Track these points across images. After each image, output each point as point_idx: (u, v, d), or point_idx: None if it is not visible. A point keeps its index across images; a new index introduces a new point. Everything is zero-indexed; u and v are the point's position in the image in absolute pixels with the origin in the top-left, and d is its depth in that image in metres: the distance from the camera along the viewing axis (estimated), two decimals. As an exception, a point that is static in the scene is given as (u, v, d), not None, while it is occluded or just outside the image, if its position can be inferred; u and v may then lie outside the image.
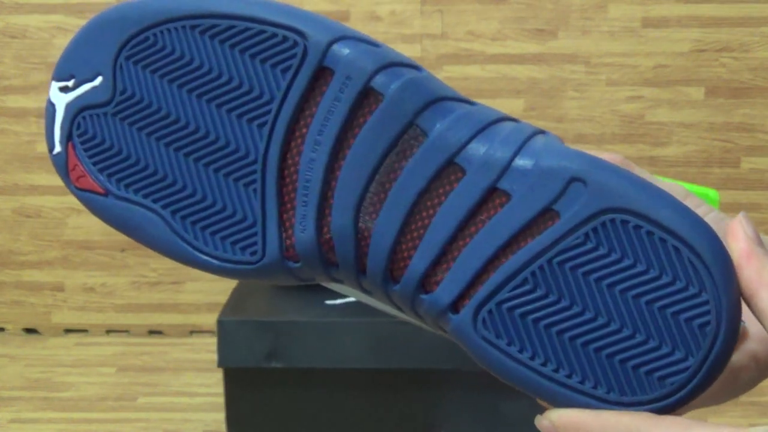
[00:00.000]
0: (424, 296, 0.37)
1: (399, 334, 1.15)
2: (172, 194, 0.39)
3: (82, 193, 0.40)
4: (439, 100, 0.37)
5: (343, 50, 0.37)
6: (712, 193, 1.57)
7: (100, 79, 0.39)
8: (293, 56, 0.37)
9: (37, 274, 1.74)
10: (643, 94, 1.64)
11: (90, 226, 1.71)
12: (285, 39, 0.37)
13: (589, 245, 0.35)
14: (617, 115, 1.65)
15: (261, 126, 0.37)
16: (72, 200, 1.70)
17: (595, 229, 0.35)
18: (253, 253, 0.38)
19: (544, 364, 0.35)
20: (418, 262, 0.36)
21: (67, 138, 0.40)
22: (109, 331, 1.76)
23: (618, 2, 1.61)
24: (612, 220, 0.34)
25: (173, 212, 0.39)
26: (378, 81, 0.36)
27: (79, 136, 0.39)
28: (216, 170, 0.38)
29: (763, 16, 1.61)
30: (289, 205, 0.38)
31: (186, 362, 1.59)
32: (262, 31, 0.37)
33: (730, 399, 0.39)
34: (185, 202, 0.38)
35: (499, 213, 0.36)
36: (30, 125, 1.68)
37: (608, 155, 0.37)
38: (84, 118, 0.39)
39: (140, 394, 1.44)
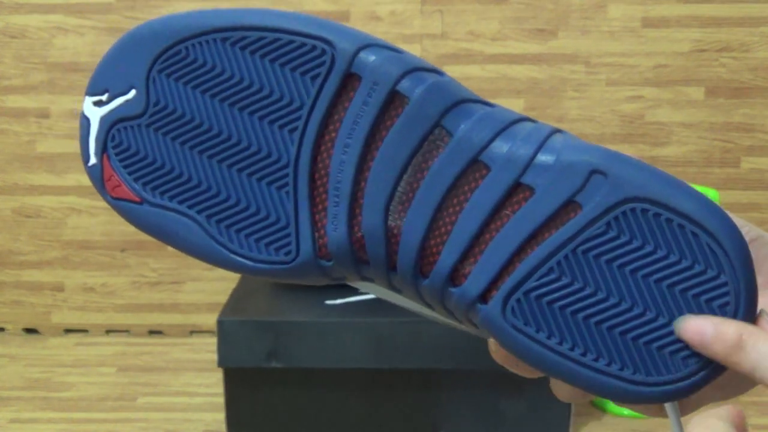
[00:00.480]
0: (453, 289, 0.38)
1: (399, 334, 1.15)
2: (207, 199, 0.40)
3: (117, 202, 0.41)
4: (461, 102, 0.39)
5: (369, 57, 0.38)
6: (712, 193, 1.57)
7: (133, 92, 0.40)
8: (322, 64, 0.38)
9: (37, 274, 1.74)
10: (643, 94, 1.64)
11: (90, 226, 1.71)
12: (313, 48, 0.39)
13: (611, 234, 0.36)
14: (617, 115, 1.65)
15: (292, 131, 0.39)
16: (72, 200, 1.70)
17: (616, 219, 0.36)
18: (287, 253, 0.40)
19: (571, 349, 0.37)
20: (446, 257, 0.38)
21: (102, 150, 0.41)
22: (109, 331, 1.76)
23: (618, 2, 1.61)
24: (632, 209, 0.36)
25: (208, 217, 0.40)
26: (404, 85, 0.38)
27: (114, 147, 0.41)
28: (249, 175, 0.40)
29: (763, 16, 1.61)
30: (320, 206, 0.39)
31: (186, 362, 1.59)
32: (291, 41, 0.39)
33: (741, 393, 0.40)
34: (220, 207, 0.40)
35: (524, 207, 0.37)
36: (30, 125, 1.68)
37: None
38: (118, 130, 0.41)
39: (140, 394, 1.45)
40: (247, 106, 0.39)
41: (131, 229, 1.71)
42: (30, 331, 1.76)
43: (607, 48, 1.63)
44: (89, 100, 0.41)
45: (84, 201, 1.70)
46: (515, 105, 1.64)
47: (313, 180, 0.39)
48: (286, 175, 0.39)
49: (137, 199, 0.41)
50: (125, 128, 0.41)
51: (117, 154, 0.41)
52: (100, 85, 0.41)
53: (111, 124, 0.41)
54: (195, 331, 1.75)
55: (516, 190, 0.37)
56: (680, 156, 1.66)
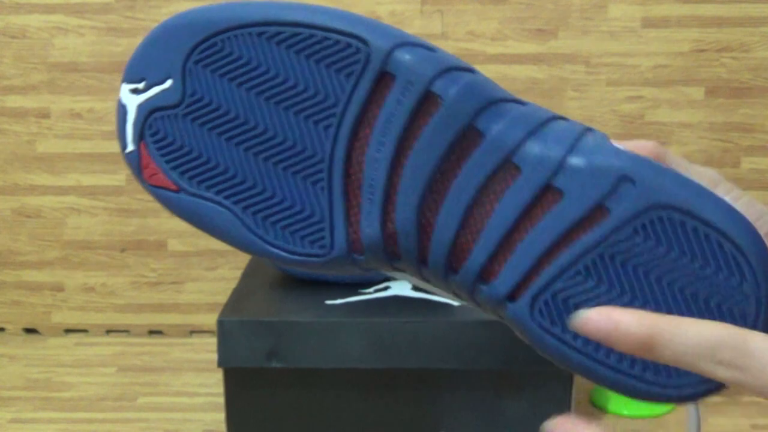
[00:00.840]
0: (482, 286, 0.39)
1: (399, 334, 1.15)
2: (243, 191, 0.41)
3: (155, 189, 0.42)
4: (494, 102, 0.39)
5: (404, 56, 0.39)
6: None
7: (170, 82, 0.41)
8: (356, 62, 0.39)
9: (37, 274, 1.74)
10: (643, 94, 1.64)
11: (90, 226, 1.71)
12: (348, 45, 0.39)
13: (638, 239, 0.37)
14: (617, 115, 1.65)
15: (327, 128, 0.39)
16: (72, 200, 1.70)
17: (643, 225, 0.37)
18: (322, 247, 0.40)
19: (596, 350, 0.38)
20: (477, 255, 0.39)
21: (139, 137, 0.41)
22: (109, 331, 1.76)
23: (618, 2, 1.61)
24: (659, 217, 0.37)
25: (244, 208, 0.41)
26: (437, 85, 0.38)
27: (152, 135, 0.41)
28: (284, 169, 0.40)
29: (763, 16, 1.61)
30: (354, 202, 0.40)
31: (186, 362, 1.59)
32: (326, 38, 0.39)
33: None
34: (256, 199, 0.41)
35: (553, 209, 0.38)
36: (30, 125, 1.68)
37: (641, 143, 0.39)
38: (156, 118, 0.41)
39: (140, 394, 1.45)
40: (283, 101, 0.40)
41: (131, 229, 1.71)
42: (30, 331, 1.76)
43: (607, 48, 1.63)
44: (126, 88, 0.41)
45: (84, 201, 1.70)
46: (515, 105, 1.65)
47: (347, 176, 0.40)
48: (321, 171, 0.40)
49: (174, 187, 0.41)
50: (162, 117, 0.41)
51: (154, 143, 0.41)
52: (137, 73, 0.41)
53: (148, 112, 0.41)
54: (195, 331, 1.75)
55: (546, 193, 0.38)
56: (680, 156, 1.66)
